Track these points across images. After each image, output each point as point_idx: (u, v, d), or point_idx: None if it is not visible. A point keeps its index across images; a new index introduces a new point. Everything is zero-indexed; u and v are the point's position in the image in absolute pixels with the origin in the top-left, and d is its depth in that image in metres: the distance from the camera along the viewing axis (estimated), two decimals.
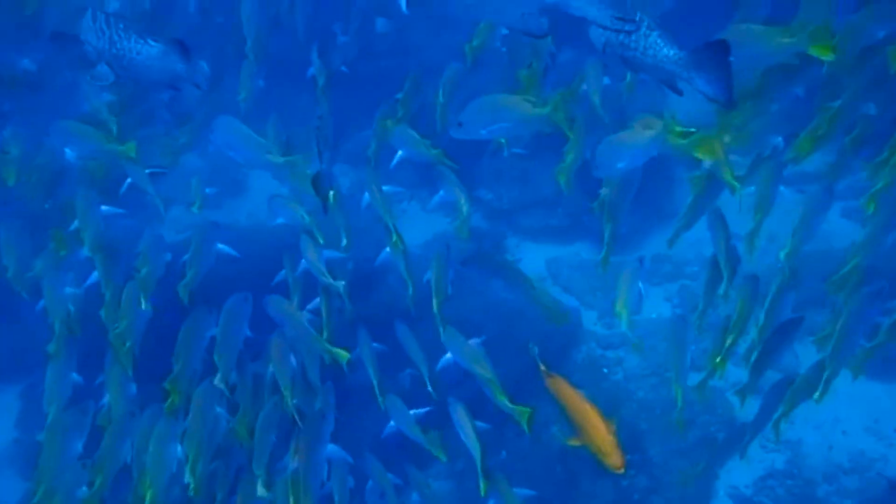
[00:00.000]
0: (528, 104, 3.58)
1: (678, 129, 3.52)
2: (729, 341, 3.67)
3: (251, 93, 5.29)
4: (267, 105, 5.91)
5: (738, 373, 4.45)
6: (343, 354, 3.71)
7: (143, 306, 3.84)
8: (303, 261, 4.01)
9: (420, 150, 4.13)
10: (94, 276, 4.03)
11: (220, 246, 4.23)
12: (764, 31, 3.40)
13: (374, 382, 3.92)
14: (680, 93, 2.98)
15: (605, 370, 4.68)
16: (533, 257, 5.68)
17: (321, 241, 4.01)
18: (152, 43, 3.15)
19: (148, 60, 3.15)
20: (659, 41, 2.86)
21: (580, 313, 5.09)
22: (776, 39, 3.33)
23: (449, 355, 3.77)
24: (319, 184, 3.47)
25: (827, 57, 3.27)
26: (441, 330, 3.83)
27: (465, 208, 4.17)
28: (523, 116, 3.59)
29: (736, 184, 3.52)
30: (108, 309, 3.89)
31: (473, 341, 3.85)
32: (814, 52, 3.28)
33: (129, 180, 4.23)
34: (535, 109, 3.56)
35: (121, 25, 3.15)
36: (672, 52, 2.82)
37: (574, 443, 3.35)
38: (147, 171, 4.20)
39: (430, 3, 2.79)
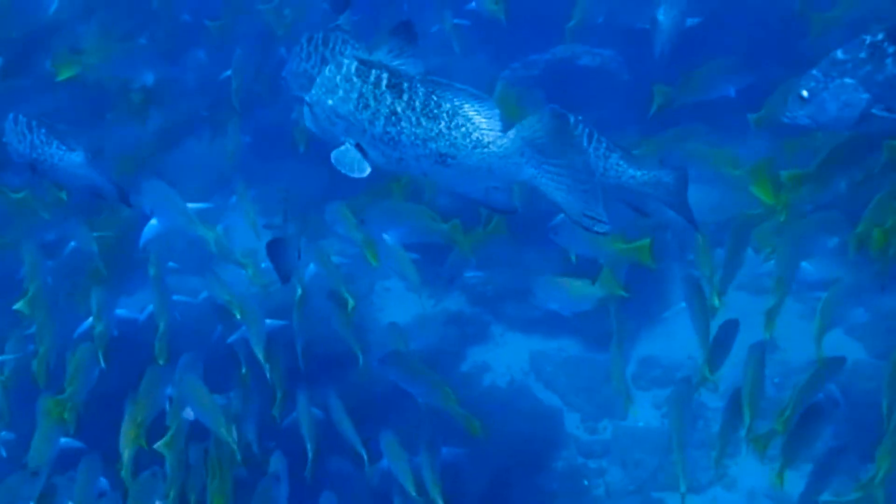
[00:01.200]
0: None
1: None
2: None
3: (237, 149, 5.24)
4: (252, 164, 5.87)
5: None
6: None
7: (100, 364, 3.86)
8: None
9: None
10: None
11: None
12: (712, 154, 3.57)
13: (310, 449, 3.91)
14: (645, 214, 3.06)
15: (586, 482, 4.49)
16: (516, 349, 5.53)
17: (237, 317, 4.03)
18: (74, 149, 3.19)
19: (69, 168, 3.22)
20: (622, 163, 2.90)
21: (563, 415, 4.92)
22: (721, 167, 3.52)
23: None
24: (279, 256, 3.51)
25: (768, 200, 3.41)
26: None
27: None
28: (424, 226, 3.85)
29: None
30: (41, 365, 3.90)
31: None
32: (756, 192, 3.44)
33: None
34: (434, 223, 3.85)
35: (42, 130, 3.21)
36: (637, 174, 2.87)
37: None
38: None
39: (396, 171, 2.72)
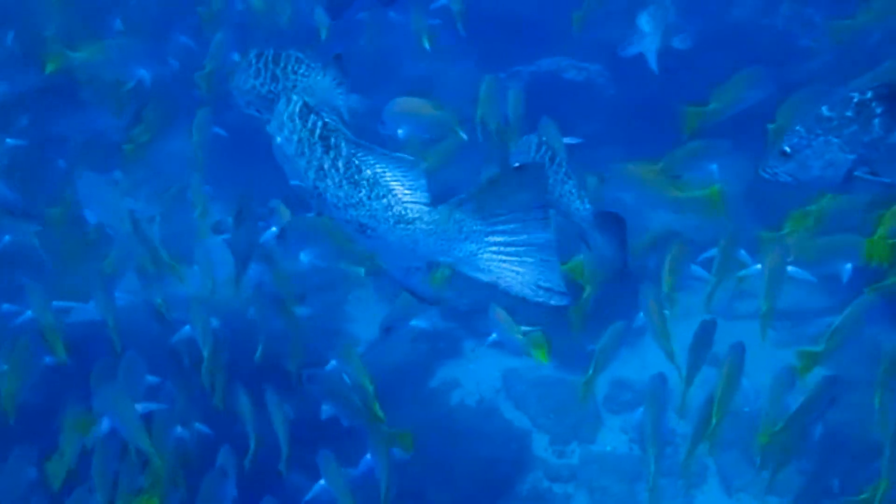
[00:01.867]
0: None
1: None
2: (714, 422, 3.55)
3: (205, 141, 5.09)
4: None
5: None
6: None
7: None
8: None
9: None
10: None
11: None
12: (649, 177, 3.56)
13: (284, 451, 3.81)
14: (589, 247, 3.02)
15: None
16: (488, 366, 5.50)
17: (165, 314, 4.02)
18: None
19: None
20: (574, 192, 2.88)
21: (531, 436, 4.90)
22: (662, 190, 3.50)
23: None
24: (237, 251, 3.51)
25: (715, 214, 3.44)
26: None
27: None
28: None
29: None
30: None
31: None
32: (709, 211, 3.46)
33: None
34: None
35: None
36: (582, 207, 2.86)
37: None
38: None
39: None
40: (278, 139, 2.34)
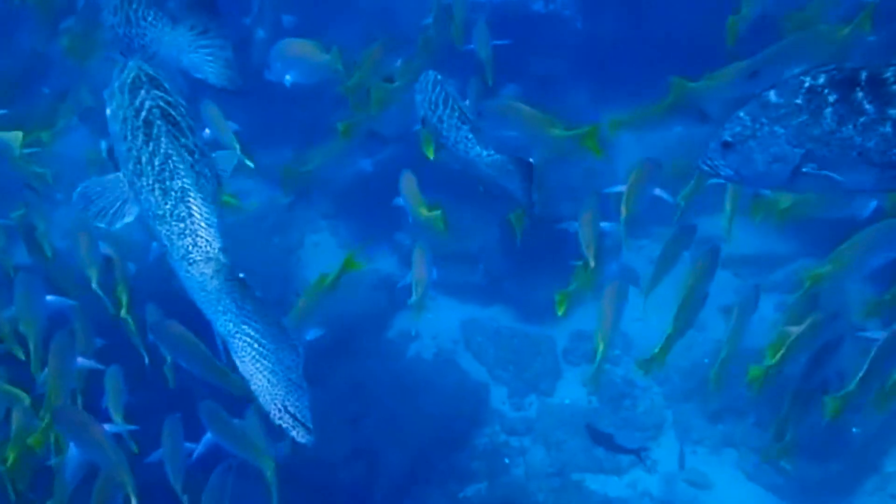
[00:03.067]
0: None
1: None
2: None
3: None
4: None
5: None
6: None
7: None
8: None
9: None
10: None
11: None
12: (527, 114, 3.44)
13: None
14: (493, 195, 2.96)
15: (507, 460, 4.52)
16: (448, 316, 5.48)
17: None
18: None
19: None
20: (471, 137, 2.78)
21: (489, 389, 4.92)
22: (539, 127, 3.38)
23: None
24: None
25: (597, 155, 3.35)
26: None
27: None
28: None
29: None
30: None
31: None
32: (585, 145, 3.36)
33: None
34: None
35: None
36: (485, 153, 2.75)
37: None
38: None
39: None
40: (107, 110, 2.03)
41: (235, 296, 1.84)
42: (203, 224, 1.87)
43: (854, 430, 4.28)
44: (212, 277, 1.86)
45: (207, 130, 4.07)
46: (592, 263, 3.50)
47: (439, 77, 2.92)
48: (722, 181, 2.29)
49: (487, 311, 5.42)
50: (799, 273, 3.90)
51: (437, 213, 3.73)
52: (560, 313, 3.73)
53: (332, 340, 5.10)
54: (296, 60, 3.79)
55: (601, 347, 3.48)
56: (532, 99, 6.12)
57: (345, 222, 6.33)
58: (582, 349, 5.03)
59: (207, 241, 1.86)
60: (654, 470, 4.48)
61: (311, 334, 3.54)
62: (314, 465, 4.30)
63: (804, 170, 2.14)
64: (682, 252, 3.65)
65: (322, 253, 6.20)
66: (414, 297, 3.87)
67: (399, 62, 4.11)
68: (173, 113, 1.94)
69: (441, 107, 2.83)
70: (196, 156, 1.93)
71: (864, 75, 2.04)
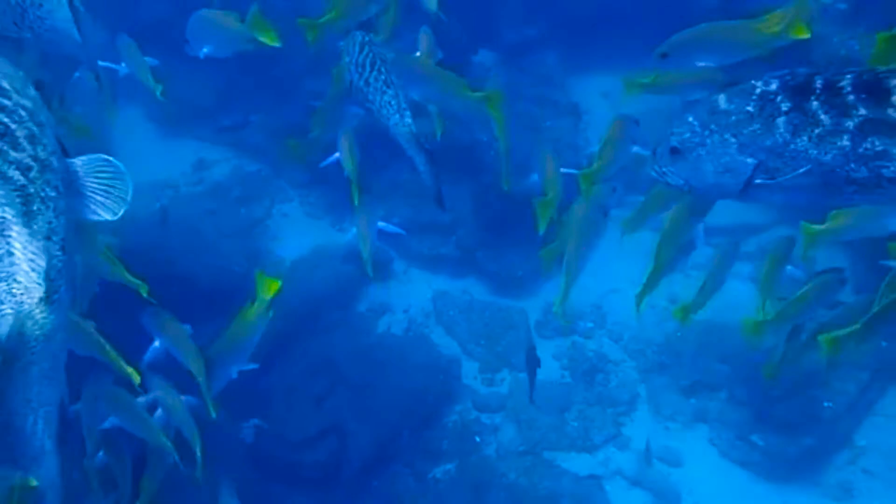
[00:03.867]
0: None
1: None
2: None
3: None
4: None
5: None
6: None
7: None
8: None
9: None
10: None
11: None
12: (430, 70, 3.35)
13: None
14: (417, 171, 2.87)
15: (478, 439, 4.50)
16: (419, 289, 5.43)
17: None
18: None
19: None
20: (393, 103, 2.69)
21: (461, 363, 4.89)
22: (443, 85, 3.29)
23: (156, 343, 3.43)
24: None
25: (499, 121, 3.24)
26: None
27: None
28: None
29: None
30: None
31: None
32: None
33: None
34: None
35: None
36: (401, 122, 2.67)
37: None
38: None
39: None
40: None
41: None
42: (23, 263, 1.49)
43: (826, 404, 4.31)
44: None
45: (123, 64, 3.97)
46: (551, 195, 3.43)
47: (367, 38, 2.81)
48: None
49: (460, 284, 5.37)
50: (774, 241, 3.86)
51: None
52: (546, 272, 3.68)
53: (298, 315, 5.06)
54: (210, 33, 3.60)
55: (567, 275, 3.40)
56: (505, 65, 6.10)
57: (316, 192, 6.22)
58: (555, 323, 5.00)
59: (26, 282, 1.48)
60: (627, 448, 4.49)
61: (235, 371, 3.42)
62: (280, 445, 4.27)
63: (757, 181, 2.01)
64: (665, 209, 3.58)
65: (291, 224, 6.10)
66: (365, 255, 3.81)
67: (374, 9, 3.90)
68: (5, 120, 1.61)
69: (368, 69, 2.73)
70: (33, 173, 1.59)
71: (819, 82, 1.92)
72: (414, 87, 3.11)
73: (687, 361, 4.59)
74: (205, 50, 3.65)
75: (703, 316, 4.77)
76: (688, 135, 2.03)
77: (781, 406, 4.28)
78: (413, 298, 5.35)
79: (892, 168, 1.88)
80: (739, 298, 4.84)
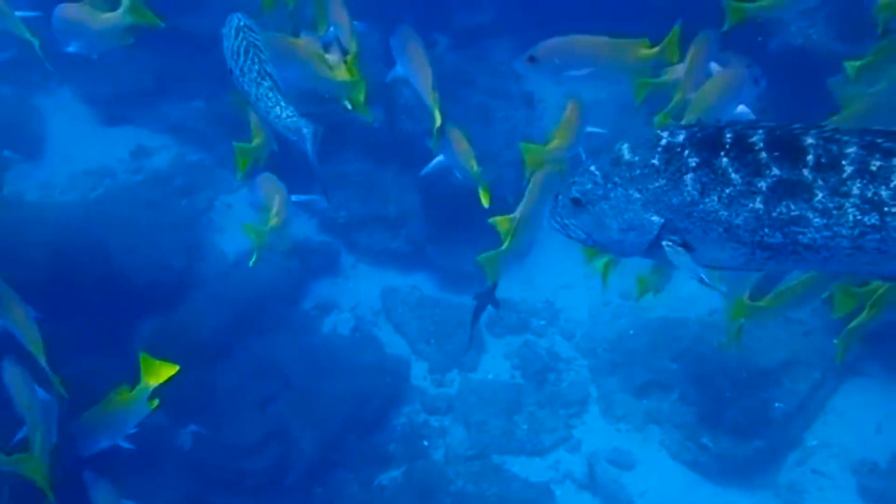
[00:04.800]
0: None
1: None
2: None
3: None
4: None
5: None
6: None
7: None
8: None
9: None
10: None
11: None
12: (299, 50, 3.23)
13: None
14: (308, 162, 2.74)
15: (426, 443, 4.44)
16: (368, 285, 5.33)
17: None
18: None
19: None
20: (271, 95, 2.59)
21: (410, 364, 4.81)
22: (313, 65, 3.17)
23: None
24: None
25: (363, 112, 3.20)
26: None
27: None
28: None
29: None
30: None
31: None
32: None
33: None
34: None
35: None
36: (283, 115, 2.57)
37: None
38: None
39: None
40: None
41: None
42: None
43: (777, 405, 4.34)
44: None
45: None
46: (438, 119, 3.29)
47: (244, 22, 2.67)
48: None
49: (410, 279, 5.29)
50: None
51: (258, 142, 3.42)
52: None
53: (240, 315, 4.93)
54: (75, 27, 3.30)
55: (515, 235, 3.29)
56: (458, 51, 5.99)
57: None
58: (507, 320, 4.95)
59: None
60: (577, 451, 4.47)
61: (97, 447, 3.29)
62: (221, 452, 4.17)
63: (664, 243, 1.85)
64: None
65: (235, 215, 5.94)
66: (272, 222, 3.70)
67: None
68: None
69: (243, 57, 2.61)
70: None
71: (728, 137, 1.76)
72: (289, 66, 2.97)
73: (639, 360, 4.58)
74: (72, 48, 3.36)
75: (656, 313, 4.78)
76: (590, 186, 1.88)
77: (733, 407, 4.29)
78: (361, 295, 5.25)
79: (808, 235, 1.76)
80: (693, 293, 4.86)
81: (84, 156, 6.35)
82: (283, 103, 2.56)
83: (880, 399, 4.50)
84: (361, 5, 5.13)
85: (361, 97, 3.16)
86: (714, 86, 3.23)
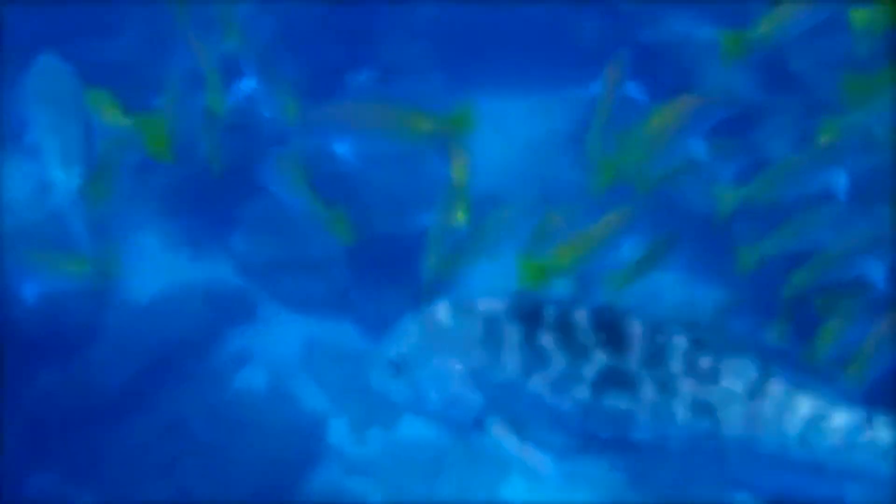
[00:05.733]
0: None
1: None
2: None
3: None
4: None
5: None
6: None
7: None
8: None
9: None
10: None
11: None
12: None
13: None
14: None
15: None
16: (288, 333, 5.13)
17: None
18: None
19: None
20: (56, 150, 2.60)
21: (329, 421, 4.62)
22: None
23: None
24: None
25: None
26: None
27: None
28: None
29: None
30: None
31: None
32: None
33: None
34: None
35: None
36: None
37: None
38: None
39: None
40: None
41: None
42: None
43: None
44: None
45: None
46: None
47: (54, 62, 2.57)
48: None
49: (332, 328, 5.11)
50: None
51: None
52: None
53: (145, 367, 4.68)
54: None
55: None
56: (384, 87, 5.88)
57: (174, 222, 5.83)
58: None
59: None
60: None
61: None
62: None
63: (489, 422, 1.70)
64: None
65: (146, 259, 5.67)
66: None
67: None
68: None
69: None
70: None
71: (551, 313, 1.62)
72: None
73: None
74: None
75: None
76: (405, 349, 1.73)
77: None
78: (279, 346, 5.05)
79: (639, 434, 1.63)
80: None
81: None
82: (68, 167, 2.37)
83: None
84: (285, 39, 4.99)
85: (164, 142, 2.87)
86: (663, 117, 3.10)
